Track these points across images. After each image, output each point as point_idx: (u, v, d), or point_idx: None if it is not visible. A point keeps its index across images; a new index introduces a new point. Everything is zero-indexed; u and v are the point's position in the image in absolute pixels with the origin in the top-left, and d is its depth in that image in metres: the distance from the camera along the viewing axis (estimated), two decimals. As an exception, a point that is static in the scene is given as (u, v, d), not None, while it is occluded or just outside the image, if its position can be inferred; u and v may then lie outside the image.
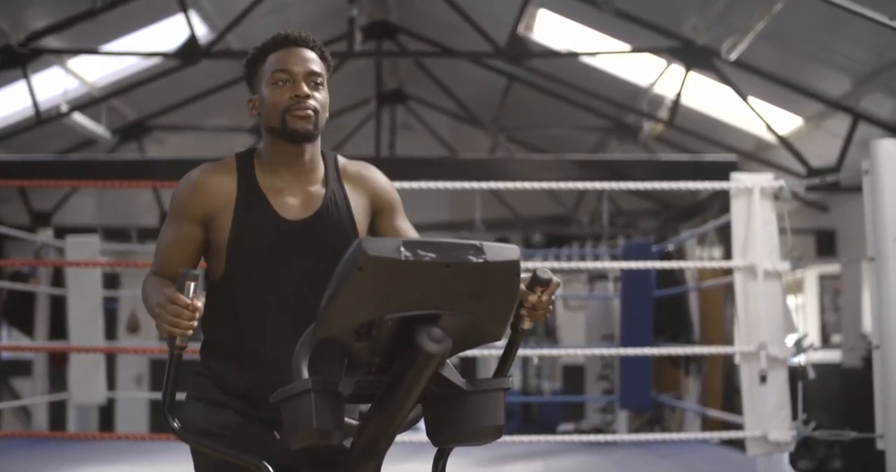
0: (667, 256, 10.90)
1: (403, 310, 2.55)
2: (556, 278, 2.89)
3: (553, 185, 7.28)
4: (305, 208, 3.18)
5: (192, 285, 2.75)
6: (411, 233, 3.31)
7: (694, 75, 11.52)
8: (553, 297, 2.92)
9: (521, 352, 6.55)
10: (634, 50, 11.59)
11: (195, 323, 2.77)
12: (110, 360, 12.37)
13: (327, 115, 3.20)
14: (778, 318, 6.62)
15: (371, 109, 15.29)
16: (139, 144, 14.48)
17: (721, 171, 10.97)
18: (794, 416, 6.57)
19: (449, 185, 7.01)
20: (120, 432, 13.31)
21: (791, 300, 6.74)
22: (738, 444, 9.83)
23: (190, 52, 11.05)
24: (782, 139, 11.40)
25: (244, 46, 12.47)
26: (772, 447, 6.55)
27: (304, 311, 3.08)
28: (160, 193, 14.36)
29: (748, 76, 11.09)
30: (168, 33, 12.32)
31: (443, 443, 2.83)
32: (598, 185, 7.63)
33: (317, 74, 3.18)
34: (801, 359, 6.62)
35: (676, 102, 11.85)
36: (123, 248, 13.42)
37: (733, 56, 10.51)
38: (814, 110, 11.81)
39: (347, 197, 3.23)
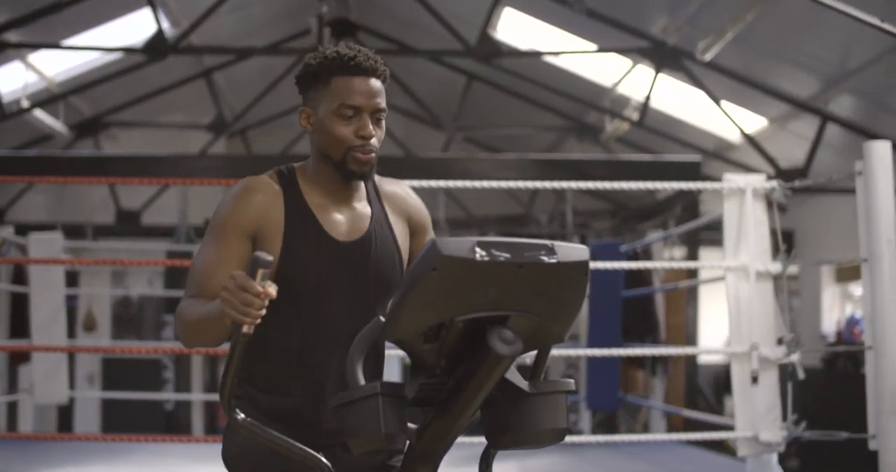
0: (634, 256, 10.91)
1: (475, 311, 2.49)
2: None
3: (533, 184, 7.17)
4: (354, 229, 3.10)
5: (264, 272, 2.60)
6: None
7: (659, 76, 11.54)
8: None
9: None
10: (601, 50, 11.58)
11: (264, 311, 2.61)
12: (69, 359, 12.20)
13: None
14: (769, 318, 6.63)
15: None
16: (95, 141, 14.30)
17: (686, 171, 11.03)
18: (784, 416, 6.58)
19: (412, 183, 6.74)
20: (78, 432, 13.14)
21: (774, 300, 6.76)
22: (708, 444, 9.89)
23: (157, 47, 10.90)
24: (751, 140, 11.41)
25: (204, 43, 12.37)
26: (763, 447, 6.55)
27: (351, 335, 2.96)
28: (116, 190, 14.18)
29: (714, 77, 11.10)
30: (126, 30, 12.18)
31: (503, 446, 2.77)
32: (573, 184, 7.51)
33: (382, 110, 3.08)
34: (791, 359, 6.63)
35: (646, 104, 11.86)
36: (80, 245, 13.26)
37: (708, 57, 10.53)
38: (778, 111, 11.84)
39: (389, 219, 3.17)
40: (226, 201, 3.07)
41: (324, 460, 2.73)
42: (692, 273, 11.91)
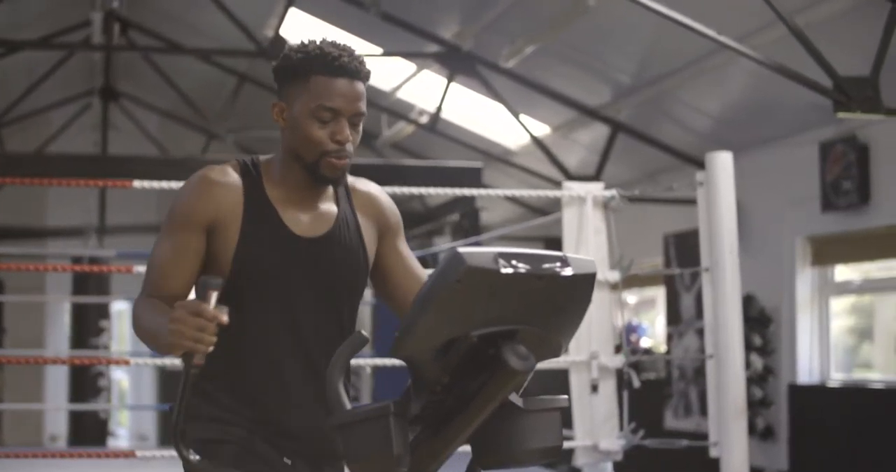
0: (424, 264, 10.83)
1: (491, 325, 2.38)
2: None
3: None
4: (317, 226, 2.99)
5: (215, 294, 2.54)
6: (411, 256, 3.18)
7: (441, 80, 11.51)
8: None
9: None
10: (387, 53, 11.44)
11: (215, 338, 2.54)
12: None
13: None
14: (608, 327, 6.64)
15: (81, 106, 14.88)
16: None
17: (467, 177, 11.02)
18: (621, 425, 6.60)
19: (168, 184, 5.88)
20: None
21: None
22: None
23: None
24: (542, 146, 11.45)
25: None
26: (601, 456, 6.55)
27: (310, 333, 2.95)
28: None
29: (504, 83, 11.09)
30: None
31: (493, 466, 2.66)
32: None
33: (362, 114, 2.94)
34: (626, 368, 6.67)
35: (438, 110, 11.81)
36: None
37: (511, 64, 10.53)
38: (563, 119, 11.89)
39: (358, 219, 3.07)
40: (183, 193, 2.95)
41: None
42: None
